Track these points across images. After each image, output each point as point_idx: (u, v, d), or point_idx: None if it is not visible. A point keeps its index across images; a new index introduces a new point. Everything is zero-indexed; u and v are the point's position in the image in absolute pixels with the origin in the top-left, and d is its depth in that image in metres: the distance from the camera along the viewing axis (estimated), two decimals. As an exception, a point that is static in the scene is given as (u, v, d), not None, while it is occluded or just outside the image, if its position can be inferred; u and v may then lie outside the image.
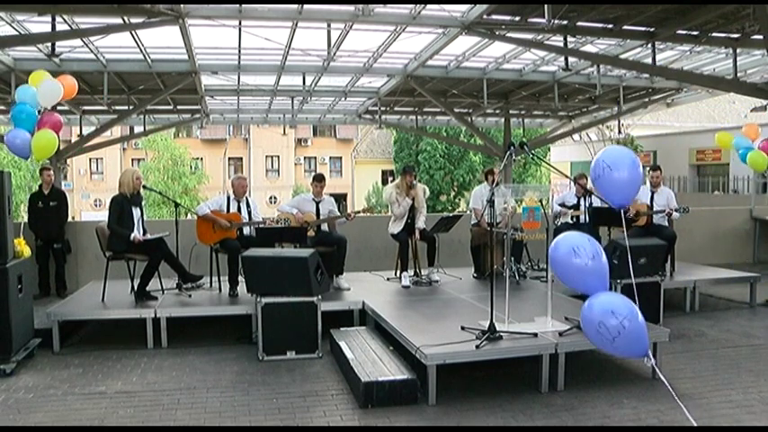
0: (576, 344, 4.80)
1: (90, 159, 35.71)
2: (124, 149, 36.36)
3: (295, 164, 39.23)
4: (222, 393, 4.71)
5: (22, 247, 5.69)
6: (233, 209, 6.92)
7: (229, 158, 38.06)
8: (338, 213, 7.42)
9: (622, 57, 9.63)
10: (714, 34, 8.45)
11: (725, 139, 8.32)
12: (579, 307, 5.20)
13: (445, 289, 7.02)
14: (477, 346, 4.55)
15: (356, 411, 4.35)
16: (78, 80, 10.32)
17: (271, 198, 37.22)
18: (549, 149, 27.82)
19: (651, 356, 3.74)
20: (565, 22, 7.88)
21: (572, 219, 7.91)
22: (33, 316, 5.82)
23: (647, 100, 14.08)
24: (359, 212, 7.54)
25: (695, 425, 3.78)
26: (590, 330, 3.77)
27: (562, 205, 7.91)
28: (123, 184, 6.42)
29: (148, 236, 6.43)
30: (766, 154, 7.69)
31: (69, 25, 7.55)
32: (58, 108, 11.98)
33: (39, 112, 6.01)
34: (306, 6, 7.22)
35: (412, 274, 7.39)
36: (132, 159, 36.38)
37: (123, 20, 7.27)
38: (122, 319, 6.19)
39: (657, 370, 3.76)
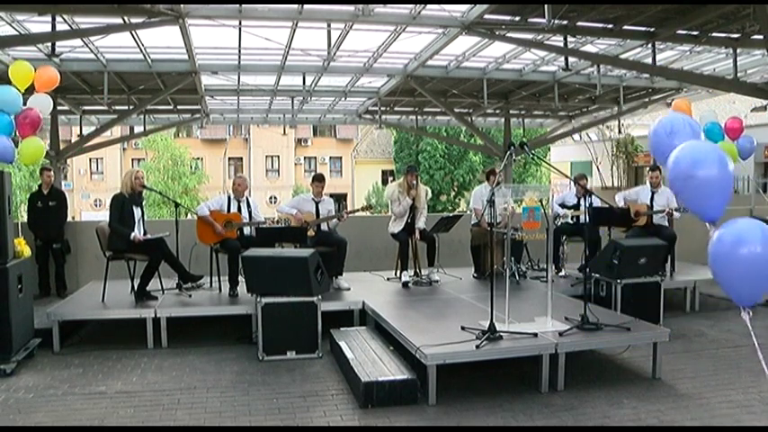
0: (576, 344, 4.81)
1: (90, 159, 35.74)
2: (124, 149, 36.39)
3: (295, 164, 39.25)
4: (222, 393, 4.71)
5: (22, 247, 5.69)
6: (233, 209, 6.92)
7: (229, 158, 38.07)
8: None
9: (622, 57, 9.63)
10: (714, 34, 8.44)
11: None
12: (579, 307, 5.24)
13: (445, 289, 7.02)
14: (477, 346, 4.55)
15: (356, 411, 4.35)
16: (78, 80, 10.44)
17: (271, 198, 37.22)
18: (549, 149, 27.80)
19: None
20: (565, 22, 7.88)
21: (572, 219, 7.91)
22: (33, 316, 5.82)
23: (647, 100, 14.08)
24: (351, 212, 7.48)
25: None
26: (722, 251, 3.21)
27: (562, 205, 7.91)
28: (122, 185, 6.45)
29: (149, 236, 6.43)
30: (731, 134, 7.40)
31: (69, 25, 7.54)
32: (58, 108, 12.05)
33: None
34: (306, 6, 7.22)
35: (412, 273, 7.39)
36: (132, 159, 36.40)
37: (123, 20, 7.27)
38: (122, 319, 6.19)
39: (750, 328, 3.46)
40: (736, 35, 8.57)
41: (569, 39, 8.62)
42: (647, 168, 7.84)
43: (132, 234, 6.23)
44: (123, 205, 6.31)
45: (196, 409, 4.42)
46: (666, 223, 7.77)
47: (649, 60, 9.13)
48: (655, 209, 7.70)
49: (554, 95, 12.10)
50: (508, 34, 8.25)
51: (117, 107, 12.42)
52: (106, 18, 7.34)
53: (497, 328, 4.75)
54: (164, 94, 11.17)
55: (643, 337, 5.07)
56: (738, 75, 9.45)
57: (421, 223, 7.29)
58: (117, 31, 7.79)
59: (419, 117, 16.31)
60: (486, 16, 7.50)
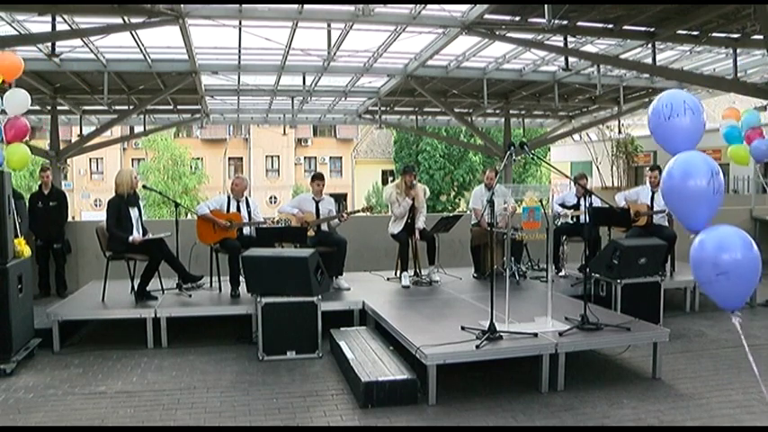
0: (576, 344, 4.81)
1: (90, 159, 35.73)
2: (124, 149, 36.38)
3: (295, 164, 39.25)
4: (222, 393, 4.71)
5: (22, 247, 5.69)
6: (233, 209, 6.92)
7: (229, 158, 38.08)
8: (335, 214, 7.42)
9: (622, 57, 9.63)
10: (714, 34, 8.44)
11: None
12: (579, 307, 5.24)
13: (445, 289, 7.02)
14: (477, 346, 4.55)
15: (356, 411, 4.35)
16: (78, 80, 10.44)
17: (271, 198, 37.22)
18: (549, 149, 27.80)
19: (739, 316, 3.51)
20: (565, 22, 7.88)
21: (572, 219, 7.91)
22: (33, 316, 5.82)
23: (647, 100, 14.05)
24: (352, 213, 7.48)
25: None
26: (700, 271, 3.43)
27: (562, 205, 7.91)
28: (121, 185, 6.37)
29: (148, 235, 6.43)
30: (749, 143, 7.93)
31: (69, 25, 7.54)
32: (58, 108, 12.04)
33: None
34: (306, 6, 7.22)
35: (412, 274, 7.38)
36: (132, 159, 36.41)
37: (123, 20, 7.27)
38: (122, 319, 6.19)
39: (740, 330, 3.53)
40: (736, 35, 8.57)
41: (569, 39, 8.62)
42: (647, 168, 7.85)
43: (131, 237, 6.23)
44: (119, 208, 6.29)
45: (196, 409, 4.42)
46: (666, 223, 7.76)
47: (649, 60, 9.13)
48: (655, 209, 7.69)
49: (554, 95, 12.10)
50: (508, 34, 8.25)
51: (117, 107, 12.41)
52: (106, 18, 7.34)
53: (497, 328, 4.75)
54: (164, 94, 11.17)
55: (643, 337, 5.07)
56: (738, 75, 9.45)
57: (421, 223, 7.29)
58: (117, 31, 7.79)
59: (419, 117, 16.31)
60: (486, 16, 7.49)
